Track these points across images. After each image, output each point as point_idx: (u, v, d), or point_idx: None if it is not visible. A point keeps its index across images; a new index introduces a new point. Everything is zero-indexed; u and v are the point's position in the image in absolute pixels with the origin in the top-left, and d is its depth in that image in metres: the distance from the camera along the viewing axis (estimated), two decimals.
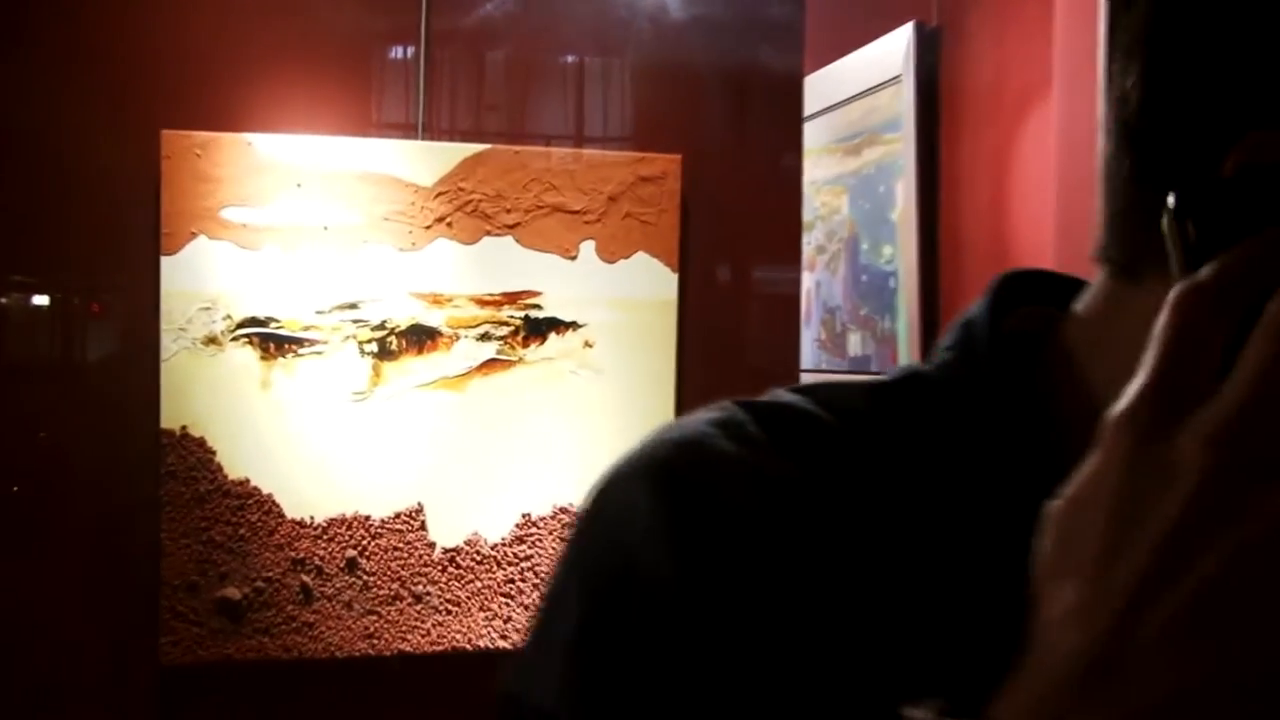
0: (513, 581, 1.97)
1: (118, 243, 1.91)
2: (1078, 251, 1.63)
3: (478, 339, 1.95)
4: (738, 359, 2.13)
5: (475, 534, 1.95)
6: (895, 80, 2.26)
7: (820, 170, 2.57)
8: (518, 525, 1.97)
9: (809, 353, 2.60)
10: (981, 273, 2.02)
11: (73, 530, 1.89)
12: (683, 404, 2.03)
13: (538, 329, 1.97)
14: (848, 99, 2.46)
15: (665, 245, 2.01)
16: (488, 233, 1.95)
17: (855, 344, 2.48)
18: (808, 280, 2.59)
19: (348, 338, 1.90)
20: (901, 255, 2.23)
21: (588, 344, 1.98)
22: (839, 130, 2.51)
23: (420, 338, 1.93)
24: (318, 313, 1.90)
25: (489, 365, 1.95)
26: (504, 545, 1.96)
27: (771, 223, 2.15)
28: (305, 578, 1.90)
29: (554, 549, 1.98)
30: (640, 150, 2.04)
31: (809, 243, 2.58)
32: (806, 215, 2.47)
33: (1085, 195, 1.62)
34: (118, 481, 1.91)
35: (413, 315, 1.92)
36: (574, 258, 1.98)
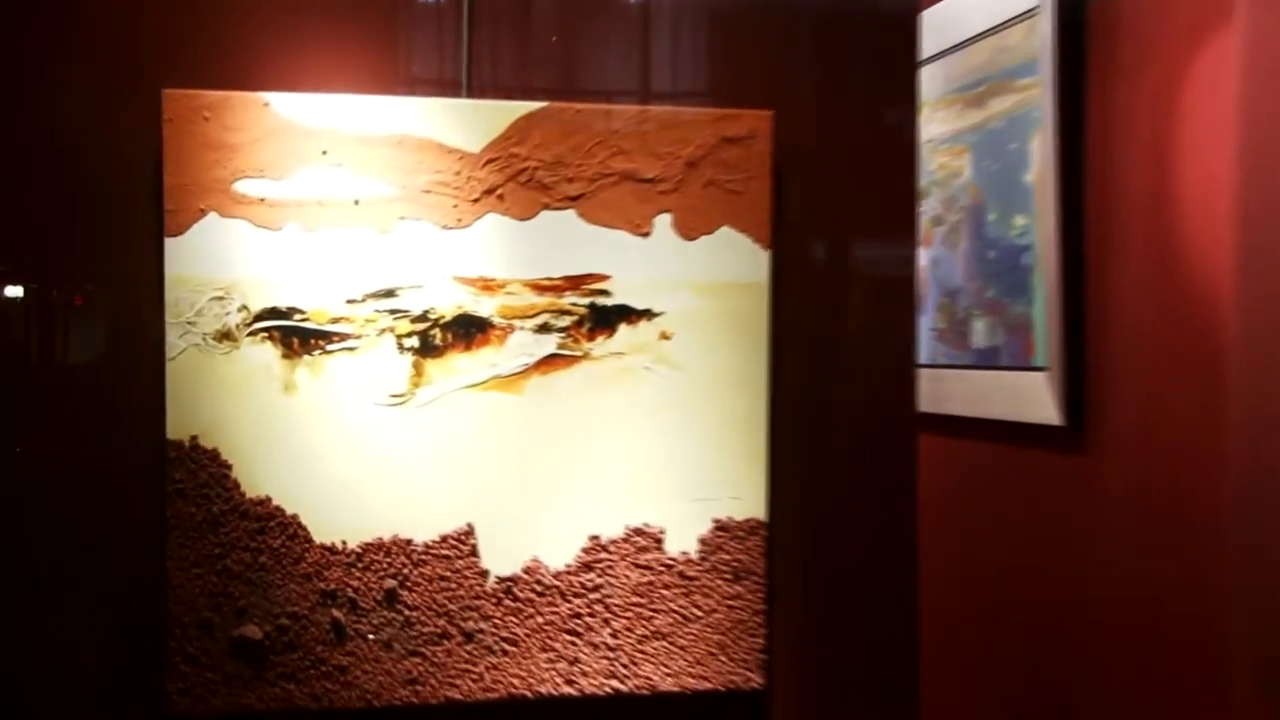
0: (580, 616, 2.04)
1: (112, 222, 1.98)
2: (1264, 216, 1.63)
3: (535, 331, 2.02)
4: (841, 353, 2.18)
5: (535, 560, 2.03)
6: (1030, 13, 2.28)
7: (938, 125, 2.60)
8: (585, 550, 2.04)
9: (924, 344, 2.63)
10: (1140, 245, 2.03)
11: (63, 560, 1.97)
12: (777, 405, 2.09)
13: (605, 319, 2.04)
14: (971, 38, 2.49)
15: (754, 218, 2.06)
16: (545, 206, 2.02)
17: (980, 333, 2.51)
18: (923, 258, 2.62)
19: (384, 331, 1.98)
20: (1038, 226, 2.26)
21: (664, 336, 2.05)
22: (960, 76, 2.54)
23: (468, 330, 2.00)
24: (348, 302, 1.98)
25: (549, 362, 2.02)
26: (569, 573, 2.03)
27: (880, 189, 2.19)
28: (337, 613, 1.98)
29: (627, 577, 2.05)
30: (724, 105, 2.08)
31: (924, 212, 2.61)
32: (921, 180, 2.50)
33: (1273, 146, 1.63)
34: (116, 502, 1.98)
35: (459, 304, 2.00)
36: (647, 234, 2.04)
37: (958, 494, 2.56)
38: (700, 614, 2.07)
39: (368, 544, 1.99)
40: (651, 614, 2.06)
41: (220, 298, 1.95)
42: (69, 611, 1.98)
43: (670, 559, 2.06)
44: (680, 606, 2.06)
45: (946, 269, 2.63)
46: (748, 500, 2.07)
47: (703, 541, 2.06)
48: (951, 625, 2.56)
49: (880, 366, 2.19)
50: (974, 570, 2.53)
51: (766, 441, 2.08)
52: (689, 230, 2.05)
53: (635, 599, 2.05)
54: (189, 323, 1.95)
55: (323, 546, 1.98)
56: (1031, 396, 2.29)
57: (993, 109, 2.45)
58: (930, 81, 2.62)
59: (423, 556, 2.00)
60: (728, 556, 2.07)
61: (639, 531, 2.05)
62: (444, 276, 2.00)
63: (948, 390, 2.58)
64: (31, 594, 1.97)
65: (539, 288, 2.02)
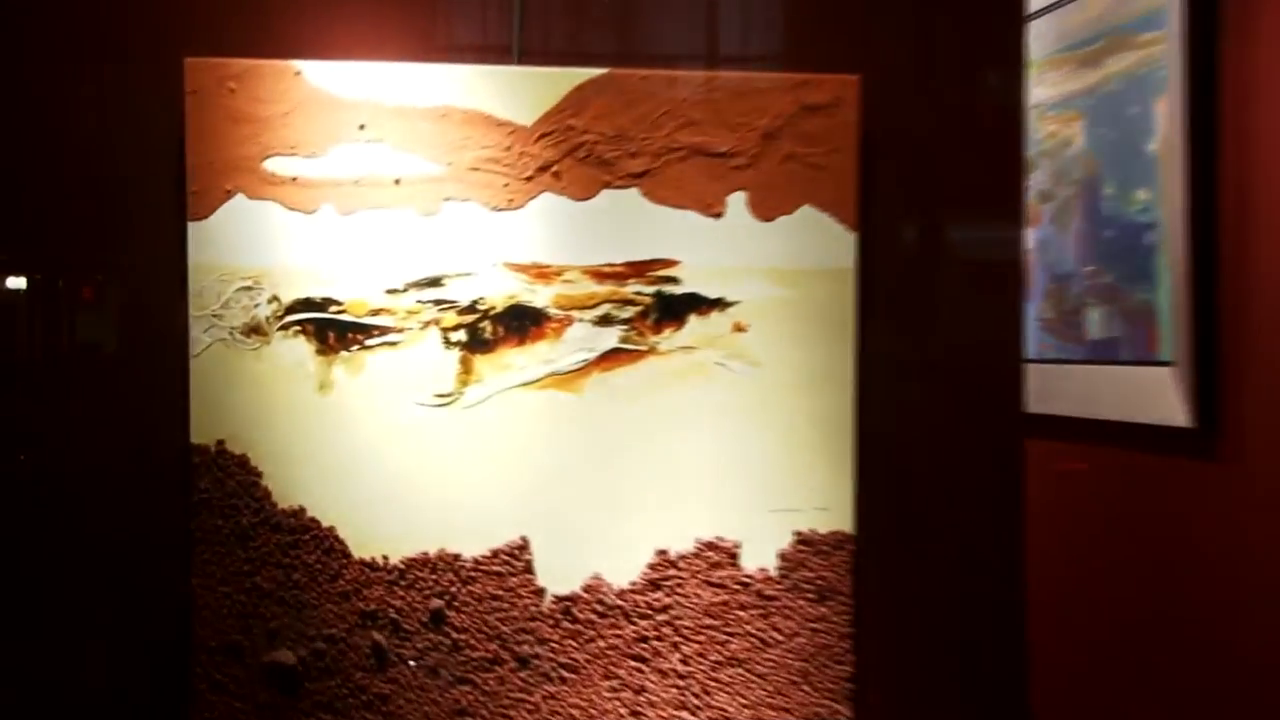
0: (646, 640, 2.08)
1: (129, 206, 2.05)
2: None
3: (595, 323, 2.06)
4: (937, 347, 2.20)
5: (596, 578, 2.07)
6: None
7: (1047, 88, 2.61)
8: (651, 566, 2.08)
9: (1031, 336, 2.63)
10: None
11: (77, 577, 2.04)
12: (865, 406, 2.10)
13: (673, 309, 2.07)
14: None
15: (839, 196, 2.09)
16: (606, 184, 2.06)
17: (1096, 324, 2.51)
18: (1030, 239, 2.63)
19: (428, 324, 2.04)
20: (1163, 201, 2.26)
21: (739, 328, 2.08)
22: (1073, 32, 2.54)
23: (521, 322, 2.05)
24: (389, 292, 2.03)
25: (611, 357, 2.07)
26: (634, 592, 2.08)
27: (981, 162, 2.20)
28: (378, 636, 2.04)
29: (699, 597, 2.08)
30: (804, 70, 2.10)
31: (1031, 188, 2.62)
32: (1028, 150, 2.50)
33: None
34: (134, 514, 2.05)
35: (511, 293, 2.05)
36: (719, 215, 2.07)
37: (1069, 505, 2.55)
38: (780, 638, 2.09)
39: (411, 559, 2.04)
40: (726, 638, 2.09)
41: (249, 288, 2.01)
42: (84, 634, 2.04)
43: (746, 576, 2.09)
44: (758, 629, 2.09)
45: (1056, 251, 2.64)
46: (833, 511, 2.09)
47: (783, 557, 2.09)
48: (1063, 653, 2.55)
49: (981, 362, 2.19)
50: (1088, 592, 2.53)
51: (853, 446, 2.10)
52: (766, 210, 2.08)
53: (708, 621, 2.08)
54: (214, 315, 2.01)
55: (362, 562, 2.03)
56: (1155, 395, 2.29)
57: (1110, 68, 2.45)
58: (1038, 39, 2.62)
59: (472, 573, 2.05)
60: (810, 574, 2.10)
61: (711, 546, 2.08)
62: (494, 263, 2.04)
63: (1058, 388, 2.58)
64: (43, 614, 2.04)
65: (599, 275, 2.06)
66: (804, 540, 2.09)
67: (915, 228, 2.18)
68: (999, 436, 2.19)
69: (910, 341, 2.17)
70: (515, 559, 2.05)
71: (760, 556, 2.09)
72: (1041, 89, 2.66)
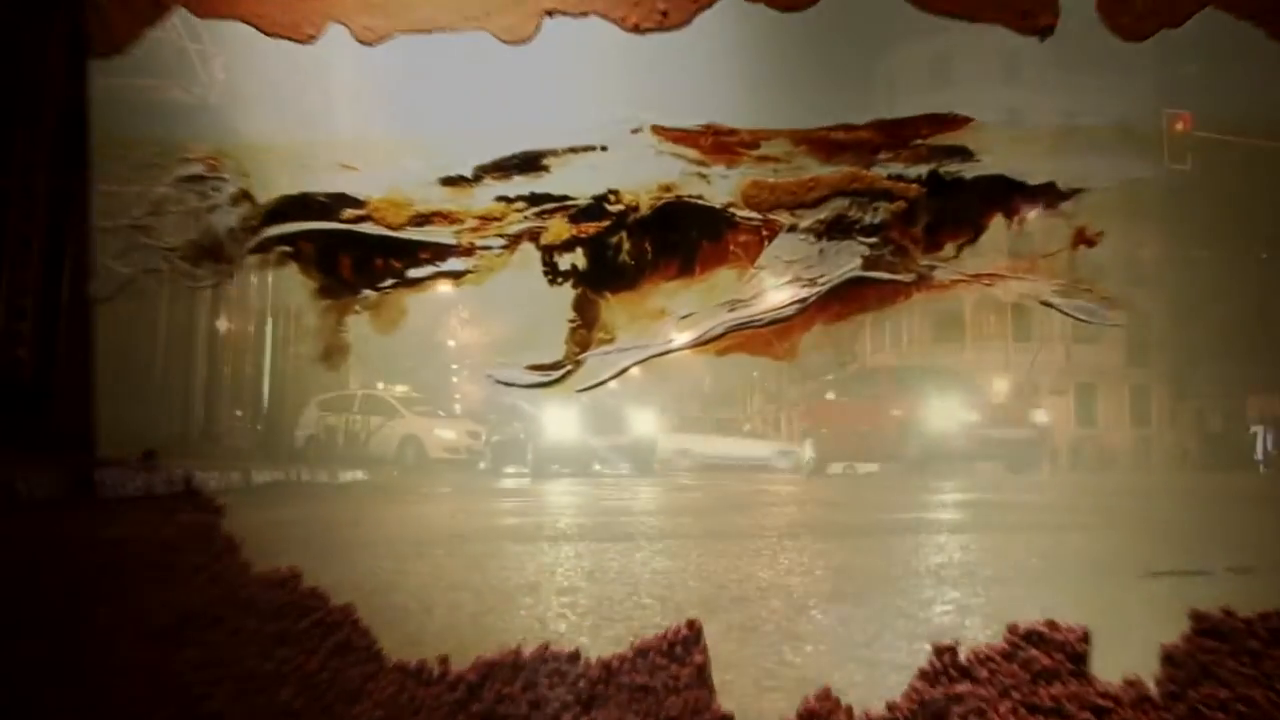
0: None
1: None
2: None
3: (819, 234, 1.66)
4: None
5: (827, 696, 1.67)
6: None
7: None
8: (926, 675, 1.71)
9: None
10: None
11: None
12: None
13: (962, 207, 1.64)
14: None
15: None
16: None
17: None
18: None
19: (517, 240, 1.67)
20: None
21: (1084, 239, 1.65)
22: None
23: (685, 235, 1.66)
24: (447, 182, 1.69)
25: (849, 295, 1.66)
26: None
27: None
28: None
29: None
30: None
31: None
32: None
33: None
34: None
35: (666, 182, 1.68)
36: (1048, 30, 1.63)
37: None
38: None
39: (490, 664, 1.71)
40: None
41: (199, 177, 1.68)
42: None
43: (1103, 696, 1.70)
44: None
45: None
46: (1265, 575, 1.68)
47: (1171, 660, 1.71)
48: None
49: None
50: None
51: None
52: (1133, 17, 1.62)
53: None
54: (137, 228, 1.67)
55: (402, 671, 1.72)
56: None
57: None
58: None
59: (602, 687, 1.69)
60: (1226, 691, 1.71)
61: (1035, 638, 1.71)
62: (634, 127, 1.68)
63: None
64: None
65: (826, 145, 1.65)
66: (1211, 630, 1.72)
67: None
68: None
69: None
70: (678, 661, 1.70)
71: (1126, 657, 1.73)
72: None
